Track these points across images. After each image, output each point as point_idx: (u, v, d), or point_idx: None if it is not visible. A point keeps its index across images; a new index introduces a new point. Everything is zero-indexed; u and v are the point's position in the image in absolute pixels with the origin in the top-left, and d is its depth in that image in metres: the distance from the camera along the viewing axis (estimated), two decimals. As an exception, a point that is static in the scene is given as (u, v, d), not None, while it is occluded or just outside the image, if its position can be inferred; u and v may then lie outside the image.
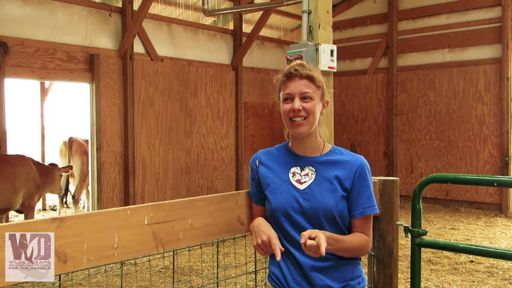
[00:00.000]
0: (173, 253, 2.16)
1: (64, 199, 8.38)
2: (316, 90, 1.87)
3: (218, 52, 8.89)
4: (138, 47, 7.53)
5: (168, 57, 8.01)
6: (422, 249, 2.29)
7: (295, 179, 1.90)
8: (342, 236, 1.84)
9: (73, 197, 7.97)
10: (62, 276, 1.71)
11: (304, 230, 1.83)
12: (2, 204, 5.47)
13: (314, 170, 1.89)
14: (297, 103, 1.83)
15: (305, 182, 1.88)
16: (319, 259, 1.82)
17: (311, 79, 1.86)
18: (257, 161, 2.00)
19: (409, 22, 9.82)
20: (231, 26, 9.19)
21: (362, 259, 2.01)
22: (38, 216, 8.83)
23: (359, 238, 1.86)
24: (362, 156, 1.94)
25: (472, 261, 5.67)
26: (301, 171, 1.91)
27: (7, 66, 6.09)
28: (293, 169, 1.92)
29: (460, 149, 9.13)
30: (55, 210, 8.90)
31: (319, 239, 1.65)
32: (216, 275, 4.29)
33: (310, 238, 1.66)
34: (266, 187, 1.94)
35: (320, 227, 1.83)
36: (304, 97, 1.84)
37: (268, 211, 1.94)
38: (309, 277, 1.84)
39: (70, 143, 7.96)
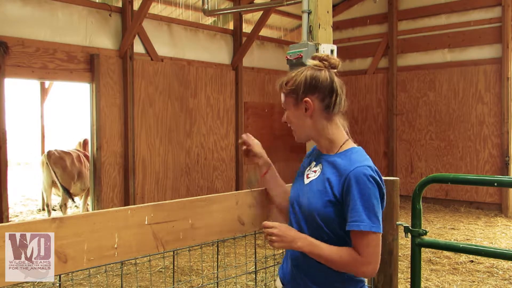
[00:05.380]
0: (173, 253, 2.16)
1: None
2: (287, 98, 1.86)
3: (218, 52, 8.89)
4: (138, 47, 7.53)
5: (168, 57, 8.01)
6: (422, 249, 2.29)
7: (307, 173, 1.90)
8: (323, 243, 1.74)
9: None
10: (62, 276, 1.71)
11: (301, 226, 1.84)
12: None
13: (321, 168, 1.85)
14: (283, 117, 1.90)
15: (310, 177, 1.86)
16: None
17: (281, 88, 1.88)
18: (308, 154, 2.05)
19: (409, 22, 9.81)
20: (231, 26, 9.19)
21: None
22: (39, 216, 8.84)
23: (343, 252, 1.71)
24: (362, 165, 1.71)
25: (472, 261, 5.67)
26: (314, 166, 1.89)
27: (7, 66, 6.08)
28: (311, 164, 1.92)
29: (460, 149, 9.13)
30: (55, 210, 8.91)
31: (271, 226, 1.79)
32: (216, 275, 4.30)
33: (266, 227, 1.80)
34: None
35: (314, 226, 1.79)
36: (285, 109, 1.89)
37: None
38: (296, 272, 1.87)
39: (85, 144, 8.46)
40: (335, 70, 1.86)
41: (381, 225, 1.69)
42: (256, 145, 2.07)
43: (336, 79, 1.84)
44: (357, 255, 1.68)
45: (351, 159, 1.76)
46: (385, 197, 1.75)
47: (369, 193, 1.66)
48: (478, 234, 7.13)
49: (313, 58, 1.87)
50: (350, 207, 1.68)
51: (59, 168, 7.36)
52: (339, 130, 1.86)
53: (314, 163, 1.90)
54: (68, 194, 7.52)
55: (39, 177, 7.82)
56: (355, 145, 1.85)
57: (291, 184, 2.02)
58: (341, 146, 1.83)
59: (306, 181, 1.87)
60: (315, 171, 1.86)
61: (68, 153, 7.69)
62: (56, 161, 7.36)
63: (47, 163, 7.36)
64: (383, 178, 2.20)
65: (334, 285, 1.79)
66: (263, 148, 2.10)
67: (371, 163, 1.75)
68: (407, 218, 2.52)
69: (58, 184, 7.46)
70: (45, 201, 7.80)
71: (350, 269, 1.72)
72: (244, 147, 2.06)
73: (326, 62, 1.84)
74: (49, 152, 7.43)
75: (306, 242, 1.76)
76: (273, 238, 1.77)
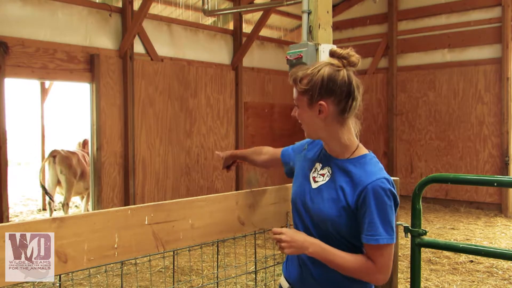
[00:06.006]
0: (173, 253, 2.16)
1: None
2: (300, 96, 1.74)
3: (218, 52, 8.89)
4: (138, 47, 7.53)
5: (168, 57, 8.01)
6: (422, 249, 2.29)
7: (313, 175, 1.83)
8: (335, 249, 1.71)
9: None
10: (62, 276, 1.71)
11: (308, 227, 1.81)
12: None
13: (330, 172, 1.78)
14: (294, 112, 1.82)
15: (318, 181, 1.80)
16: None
17: (295, 84, 1.75)
18: (306, 144, 1.97)
19: (409, 22, 9.82)
20: (231, 26, 9.19)
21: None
22: (39, 216, 8.84)
23: (358, 260, 1.70)
24: (380, 177, 1.68)
25: (472, 261, 5.67)
26: (321, 169, 1.81)
27: (7, 66, 6.08)
28: (316, 165, 1.85)
29: (460, 149, 9.13)
30: (55, 210, 8.92)
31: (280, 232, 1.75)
32: (216, 275, 4.30)
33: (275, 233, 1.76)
34: (295, 170, 1.97)
35: (323, 231, 1.76)
36: (296, 105, 1.80)
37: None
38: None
39: (85, 144, 8.56)
40: (354, 69, 1.74)
41: (395, 235, 1.70)
42: (228, 159, 2.34)
43: (354, 80, 1.72)
44: (372, 264, 1.68)
45: (366, 170, 1.70)
46: (398, 205, 1.75)
47: (386, 207, 1.66)
48: (478, 234, 7.13)
49: (332, 55, 1.75)
50: (367, 220, 1.66)
51: (64, 167, 7.56)
52: (351, 134, 1.78)
53: (321, 165, 1.82)
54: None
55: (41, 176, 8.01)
56: (366, 151, 1.79)
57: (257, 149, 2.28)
58: (353, 152, 1.76)
59: (314, 185, 1.80)
60: (323, 175, 1.80)
61: (73, 153, 7.88)
62: (62, 159, 7.56)
63: (53, 161, 7.56)
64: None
65: (340, 285, 1.78)
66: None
67: (386, 173, 1.71)
68: (407, 218, 2.52)
69: (63, 183, 7.62)
70: (48, 200, 7.91)
71: (363, 277, 1.71)
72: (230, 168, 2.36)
73: (345, 61, 1.71)
74: (55, 151, 7.62)
75: (318, 248, 1.72)
76: (283, 244, 1.72)
